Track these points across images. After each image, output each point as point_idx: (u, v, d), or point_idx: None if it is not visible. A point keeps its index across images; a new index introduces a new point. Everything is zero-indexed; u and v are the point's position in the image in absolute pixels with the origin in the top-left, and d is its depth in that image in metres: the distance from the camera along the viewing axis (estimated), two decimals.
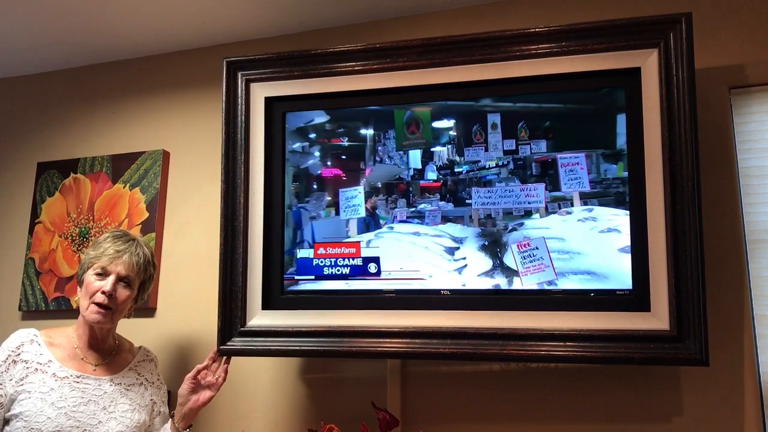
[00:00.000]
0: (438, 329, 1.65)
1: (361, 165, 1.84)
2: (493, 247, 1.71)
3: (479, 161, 1.75)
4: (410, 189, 1.79)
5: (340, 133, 1.87)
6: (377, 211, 1.81)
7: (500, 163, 1.73)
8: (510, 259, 1.69)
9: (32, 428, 1.53)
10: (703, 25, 1.80)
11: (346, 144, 1.87)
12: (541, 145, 1.71)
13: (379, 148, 1.83)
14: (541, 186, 1.69)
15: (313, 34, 2.26)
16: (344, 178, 1.85)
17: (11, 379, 1.59)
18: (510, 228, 1.70)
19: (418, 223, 1.77)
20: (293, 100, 1.89)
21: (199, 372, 1.71)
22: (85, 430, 1.58)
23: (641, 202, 1.60)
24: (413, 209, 1.78)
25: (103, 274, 1.65)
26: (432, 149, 1.79)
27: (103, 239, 1.72)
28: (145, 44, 2.39)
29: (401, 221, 1.79)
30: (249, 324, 1.79)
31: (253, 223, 1.83)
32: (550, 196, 1.68)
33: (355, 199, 1.83)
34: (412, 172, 1.80)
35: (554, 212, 1.67)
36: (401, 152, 1.82)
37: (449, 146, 1.78)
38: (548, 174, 1.69)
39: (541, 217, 1.68)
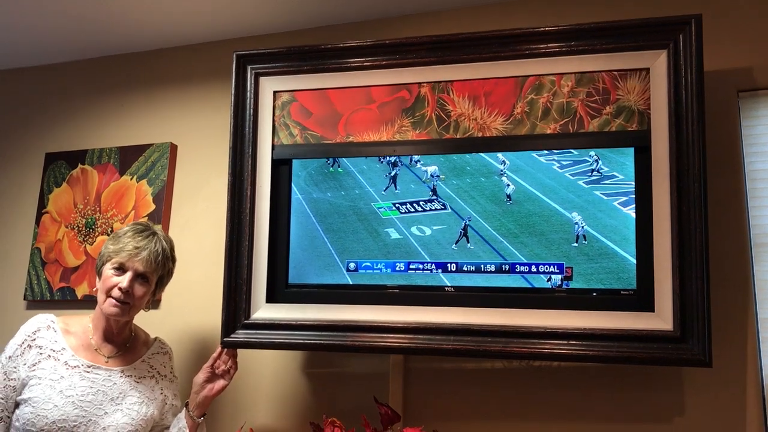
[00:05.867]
0: (441, 325, 1.65)
1: None
2: None
3: None
4: None
5: None
6: None
7: None
8: None
9: (39, 415, 1.54)
10: (712, 28, 1.80)
11: None
12: None
13: None
14: None
15: (323, 30, 2.26)
16: None
17: (25, 364, 1.60)
18: None
19: None
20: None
21: (215, 361, 1.73)
22: (91, 419, 1.58)
23: (647, 203, 1.60)
24: None
25: (120, 269, 1.65)
26: None
27: (123, 233, 1.70)
28: (155, 38, 2.40)
29: None
30: (253, 317, 1.79)
31: (260, 217, 1.83)
32: None
33: None
34: None
35: None
36: None
37: None
38: None
39: None
